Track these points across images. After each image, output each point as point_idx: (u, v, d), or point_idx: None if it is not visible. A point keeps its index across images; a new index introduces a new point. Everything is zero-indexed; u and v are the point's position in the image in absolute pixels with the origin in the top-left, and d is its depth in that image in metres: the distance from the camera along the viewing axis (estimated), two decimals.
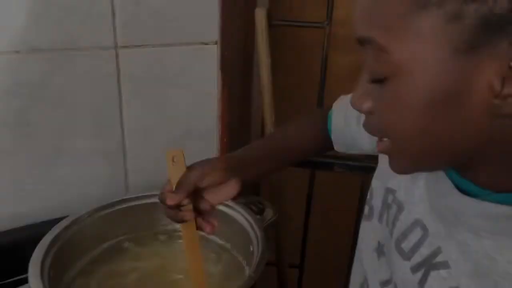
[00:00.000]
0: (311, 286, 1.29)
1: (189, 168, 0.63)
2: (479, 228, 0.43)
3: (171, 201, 0.60)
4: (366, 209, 0.64)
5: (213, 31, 0.92)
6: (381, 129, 0.45)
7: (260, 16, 0.92)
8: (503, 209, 0.41)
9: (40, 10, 0.76)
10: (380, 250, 0.60)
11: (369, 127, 0.47)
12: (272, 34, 0.96)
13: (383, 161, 0.63)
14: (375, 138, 0.69)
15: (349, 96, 0.76)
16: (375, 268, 0.60)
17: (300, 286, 1.26)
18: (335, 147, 0.79)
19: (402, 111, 0.41)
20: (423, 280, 0.48)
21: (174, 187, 0.62)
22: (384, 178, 0.61)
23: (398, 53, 0.38)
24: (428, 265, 0.48)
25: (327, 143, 0.78)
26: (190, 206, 0.62)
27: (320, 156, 1.05)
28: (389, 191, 0.60)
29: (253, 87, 1.04)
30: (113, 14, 0.82)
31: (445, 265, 0.46)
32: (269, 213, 0.86)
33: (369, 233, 0.63)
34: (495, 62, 0.35)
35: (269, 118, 0.99)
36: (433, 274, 0.47)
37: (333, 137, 0.77)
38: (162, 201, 0.62)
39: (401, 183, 0.57)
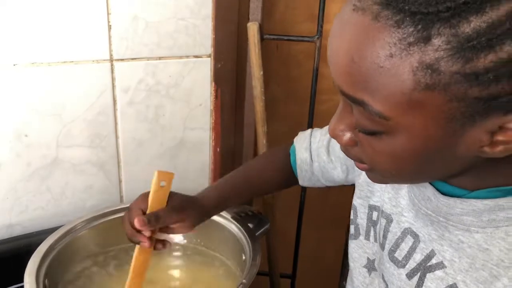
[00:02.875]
0: None
1: (171, 210, 0.65)
2: (469, 225, 0.46)
3: (140, 226, 0.61)
4: (352, 229, 0.65)
5: (207, 44, 0.94)
6: (364, 161, 0.47)
7: (253, 30, 0.94)
8: (485, 203, 0.44)
9: (38, 24, 0.78)
10: (370, 266, 0.62)
11: (349, 155, 0.48)
12: (264, 47, 0.98)
13: (358, 179, 0.65)
14: (348, 164, 0.71)
15: (307, 131, 0.78)
16: (367, 283, 0.62)
17: None
18: (300, 183, 0.79)
19: (392, 158, 0.43)
20: (420, 284, 0.50)
21: (149, 209, 0.63)
22: (365, 196, 0.63)
23: (395, 120, 0.39)
24: (423, 269, 0.50)
25: (291, 178, 0.79)
26: (153, 237, 0.64)
27: None
28: (372, 208, 0.62)
29: (245, 98, 1.06)
30: (109, 27, 0.84)
31: (440, 265, 0.48)
32: (261, 223, 0.87)
33: (357, 251, 0.64)
34: (487, 124, 0.38)
35: (261, 128, 1.01)
36: (429, 276, 0.49)
37: (298, 173, 0.77)
38: (130, 218, 0.63)
39: (383, 196, 0.59)
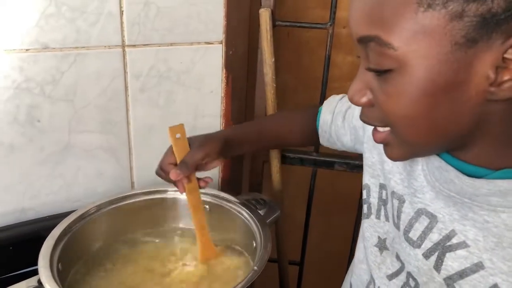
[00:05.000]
0: (311, 283, 1.31)
1: (194, 149, 0.73)
2: (495, 205, 0.46)
3: (174, 176, 0.71)
4: (365, 208, 0.67)
5: (218, 31, 0.94)
6: (382, 119, 0.48)
7: (265, 16, 0.93)
8: (511, 183, 0.45)
9: (50, 10, 0.78)
10: (381, 245, 0.63)
11: (367, 118, 0.50)
12: (276, 34, 0.97)
13: (369, 157, 0.66)
14: (357, 136, 0.72)
15: (339, 95, 0.81)
16: (378, 262, 0.63)
17: (300, 283, 1.27)
18: (321, 141, 0.85)
19: (404, 100, 0.44)
20: (438, 263, 0.51)
21: (178, 160, 0.72)
22: (377, 175, 0.64)
23: (402, 49, 0.41)
24: (442, 248, 0.51)
25: (314, 136, 0.84)
26: (194, 177, 0.75)
27: (321, 155, 1.07)
28: (382, 187, 0.63)
29: (256, 85, 1.05)
30: (121, 13, 0.84)
31: (462, 245, 0.49)
32: (272, 210, 0.87)
33: (369, 230, 0.65)
34: (491, 54, 0.39)
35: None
36: (449, 255, 0.50)
37: (319, 132, 0.83)
38: (165, 173, 0.73)
39: (395, 177, 0.59)
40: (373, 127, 0.51)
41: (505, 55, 0.39)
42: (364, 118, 0.51)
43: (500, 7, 0.37)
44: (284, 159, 1.06)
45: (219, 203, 0.86)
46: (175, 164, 0.73)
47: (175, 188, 0.76)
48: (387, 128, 0.49)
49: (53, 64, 0.81)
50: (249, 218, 0.81)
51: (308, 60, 1.22)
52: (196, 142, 0.74)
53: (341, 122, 0.78)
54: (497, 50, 0.39)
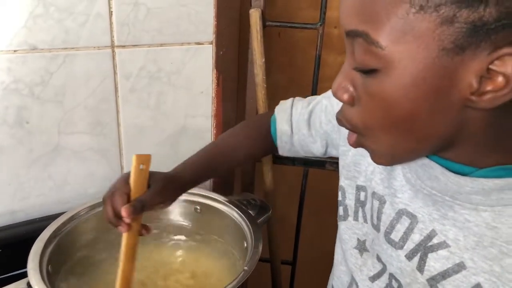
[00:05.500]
0: (303, 282, 1.31)
1: (155, 193, 0.65)
2: (477, 203, 0.46)
3: (127, 215, 0.61)
4: (341, 210, 0.66)
5: (208, 31, 0.94)
6: (361, 120, 0.47)
7: (255, 17, 0.93)
8: (495, 182, 0.44)
9: (38, 10, 0.78)
10: (361, 247, 0.62)
11: (344, 118, 0.49)
12: (266, 34, 0.97)
13: (344, 159, 0.65)
14: (330, 140, 0.72)
15: (288, 101, 0.79)
16: (359, 264, 0.62)
17: (292, 283, 1.28)
18: (280, 152, 0.82)
19: (386, 101, 0.43)
20: (421, 264, 0.50)
21: (132, 192, 0.63)
22: (352, 176, 0.63)
23: (390, 49, 0.41)
24: (424, 249, 0.50)
25: (270, 147, 0.82)
26: (140, 220, 0.65)
27: None
28: (360, 188, 0.62)
29: (247, 86, 1.05)
30: (110, 14, 0.84)
31: (443, 245, 0.49)
32: (263, 210, 0.87)
33: (347, 232, 0.65)
34: (476, 63, 0.39)
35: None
36: (431, 256, 0.49)
37: (278, 143, 0.80)
38: (115, 204, 0.63)
39: (375, 177, 0.59)
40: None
41: (491, 66, 0.39)
42: (340, 117, 0.50)
43: (491, 16, 0.37)
44: (275, 159, 1.06)
45: (210, 204, 0.86)
46: (128, 195, 0.64)
47: None
48: None
49: (42, 65, 0.81)
50: (239, 218, 0.81)
51: (299, 60, 1.23)
52: (158, 183, 0.66)
53: (307, 131, 0.75)
54: (483, 60, 0.38)
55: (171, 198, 0.69)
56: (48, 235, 0.73)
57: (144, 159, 0.64)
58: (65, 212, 0.79)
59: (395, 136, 0.45)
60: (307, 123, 0.75)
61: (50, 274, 0.69)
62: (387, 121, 0.44)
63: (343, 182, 0.65)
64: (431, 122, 0.43)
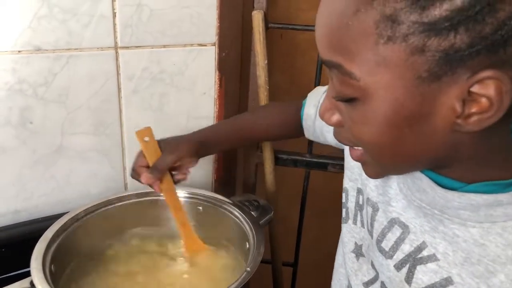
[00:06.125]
0: (305, 284, 1.31)
1: (166, 154, 0.74)
2: (465, 219, 0.45)
3: (145, 180, 0.72)
4: (343, 212, 0.66)
5: (211, 33, 0.94)
6: (352, 141, 0.47)
7: (257, 18, 0.93)
8: (483, 197, 0.44)
9: (42, 11, 0.78)
10: (357, 251, 0.62)
11: (339, 137, 0.49)
12: (269, 36, 0.98)
13: (349, 160, 0.65)
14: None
15: (325, 87, 0.81)
16: (355, 269, 0.62)
17: (294, 284, 1.28)
18: (306, 135, 0.84)
19: (369, 128, 0.43)
20: (409, 276, 0.50)
21: (150, 163, 0.73)
22: (355, 179, 0.63)
23: (365, 80, 0.40)
24: (413, 261, 0.50)
25: (298, 129, 0.83)
26: (169, 177, 0.75)
27: (314, 156, 1.07)
28: (359, 191, 0.62)
29: (249, 87, 1.06)
30: (114, 15, 0.84)
31: (432, 258, 0.48)
32: (265, 212, 0.87)
33: (346, 235, 0.65)
34: (456, 88, 0.38)
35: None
36: (420, 268, 0.49)
37: (304, 125, 0.82)
38: (138, 175, 0.74)
39: (370, 183, 0.59)
40: None
41: (472, 89, 0.37)
42: (337, 137, 0.50)
43: (463, 42, 0.35)
44: (277, 161, 1.06)
45: (212, 205, 0.86)
46: (148, 167, 0.74)
47: None
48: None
49: (45, 66, 0.81)
50: (242, 219, 0.81)
51: (301, 62, 1.23)
52: (168, 146, 0.75)
53: None
54: (463, 84, 0.37)
55: (188, 154, 0.75)
56: (51, 235, 0.73)
57: (145, 133, 0.73)
58: (68, 212, 0.79)
59: (385, 156, 0.45)
60: None
61: (53, 273, 0.69)
62: (374, 145, 0.44)
63: (347, 183, 0.65)
64: (418, 145, 0.42)
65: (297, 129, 0.84)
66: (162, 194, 0.77)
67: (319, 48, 0.44)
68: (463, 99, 0.38)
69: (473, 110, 0.38)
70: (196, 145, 0.76)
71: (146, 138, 0.73)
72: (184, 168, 0.76)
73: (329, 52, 0.42)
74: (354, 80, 0.40)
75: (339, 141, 0.50)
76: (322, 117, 0.48)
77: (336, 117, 0.47)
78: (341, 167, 1.06)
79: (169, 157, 0.73)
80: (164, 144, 0.75)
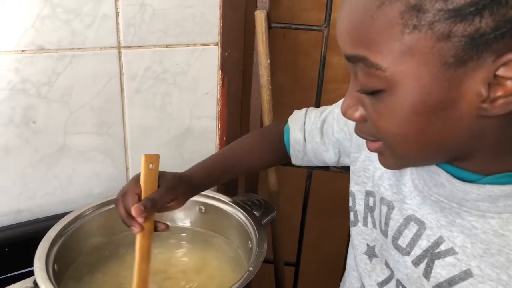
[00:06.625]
0: (307, 284, 1.31)
1: (165, 190, 0.66)
2: (484, 210, 0.46)
3: (137, 214, 0.63)
4: (351, 216, 0.66)
5: (214, 32, 0.94)
6: (374, 135, 0.47)
7: (260, 18, 0.93)
8: (501, 188, 0.44)
9: (45, 11, 0.78)
10: (370, 253, 0.62)
11: (361, 133, 0.50)
12: (271, 36, 0.98)
13: (354, 165, 0.65)
14: (342, 148, 0.72)
15: (302, 110, 0.79)
16: (369, 270, 0.62)
17: (296, 284, 1.27)
18: (293, 162, 0.82)
19: (395, 119, 0.43)
20: (428, 271, 0.50)
21: (143, 192, 0.65)
22: (362, 182, 0.63)
23: (391, 70, 0.40)
24: (431, 255, 0.50)
25: (284, 156, 0.81)
26: (152, 220, 0.66)
27: None
28: (369, 193, 0.62)
29: (252, 87, 1.06)
30: (117, 15, 0.84)
31: (450, 252, 0.48)
32: (268, 211, 0.87)
33: (357, 238, 0.65)
34: (482, 72, 0.38)
35: (267, 117, 1.01)
36: (438, 263, 0.49)
37: (291, 152, 0.80)
38: (126, 204, 0.65)
39: (384, 183, 0.59)
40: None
41: (497, 73, 0.38)
42: (358, 133, 0.50)
43: (488, 26, 0.36)
44: None
45: (215, 204, 0.87)
46: (139, 197, 0.65)
47: None
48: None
49: (48, 66, 0.82)
50: (244, 219, 0.81)
51: (304, 62, 1.23)
52: (168, 182, 0.68)
53: (320, 139, 0.76)
54: (488, 68, 0.38)
55: (182, 197, 0.69)
56: (54, 234, 0.74)
57: (153, 159, 0.65)
58: (70, 211, 0.80)
59: (410, 147, 0.45)
60: (320, 132, 0.75)
61: (56, 273, 0.69)
62: (400, 135, 0.44)
63: (353, 187, 0.65)
64: (443, 134, 0.43)
65: (282, 157, 0.82)
66: (136, 233, 0.65)
67: (341, 45, 0.44)
68: (489, 83, 0.39)
69: (499, 93, 0.39)
70: (190, 189, 0.71)
71: (151, 166, 0.65)
72: (170, 210, 0.69)
73: (353, 47, 0.42)
74: (380, 71, 0.41)
75: (361, 136, 0.50)
76: (344, 114, 0.48)
77: (359, 113, 0.47)
78: (343, 167, 1.06)
79: (167, 196, 0.66)
80: (163, 179, 0.67)
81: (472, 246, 0.47)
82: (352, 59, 0.43)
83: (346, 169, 1.06)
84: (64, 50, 0.82)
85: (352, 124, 0.53)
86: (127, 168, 0.97)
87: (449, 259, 0.48)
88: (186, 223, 0.90)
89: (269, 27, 0.96)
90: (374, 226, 0.61)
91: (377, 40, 0.40)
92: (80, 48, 0.83)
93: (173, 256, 0.84)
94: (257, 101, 1.04)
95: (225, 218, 0.84)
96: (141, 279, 0.65)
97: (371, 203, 0.62)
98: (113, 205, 0.83)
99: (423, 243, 0.51)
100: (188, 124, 1.00)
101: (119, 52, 0.87)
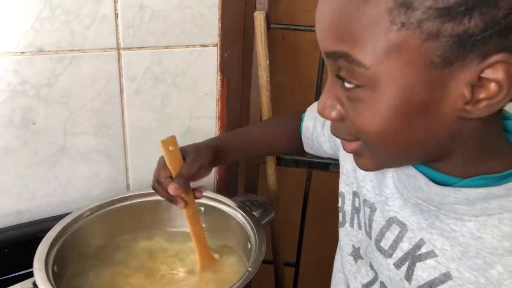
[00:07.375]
0: (307, 284, 1.31)
1: (189, 162, 0.72)
2: (462, 213, 0.45)
3: (174, 191, 0.69)
4: (340, 216, 0.66)
5: (213, 33, 0.94)
6: (353, 133, 0.46)
7: (259, 19, 0.93)
8: (477, 191, 0.44)
9: (45, 13, 0.78)
10: (355, 254, 0.62)
11: (338, 132, 0.48)
12: (270, 36, 0.98)
13: (344, 165, 0.65)
14: (335, 143, 0.73)
15: None
16: (354, 271, 0.62)
17: (296, 285, 1.28)
18: (305, 149, 0.84)
19: (376, 117, 0.42)
20: (409, 273, 0.50)
21: (173, 173, 0.70)
22: (350, 182, 0.63)
23: (374, 68, 0.39)
24: (412, 258, 0.50)
25: (300, 144, 0.84)
26: (190, 191, 0.73)
27: (316, 156, 1.07)
28: (355, 194, 0.62)
29: (251, 88, 1.06)
30: (116, 16, 0.84)
31: (431, 254, 0.48)
32: (267, 212, 0.87)
33: (344, 239, 0.65)
34: (467, 74, 0.38)
35: (266, 118, 1.01)
36: (419, 265, 0.49)
37: (303, 139, 0.82)
38: (163, 187, 0.71)
39: (366, 185, 0.58)
40: None
41: (482, 75, 0.37)
42: (335, 132, 0.49)
43: (477, 27, 0.36)
44: (279, 161, 1.06)
45: (214, 205, 0.87)
46: (171, 177, 0.71)
47: None
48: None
49: (48, 67, 0.82)
50: (244, 219, 0.82)
51: (303, 63, 1.23)
52: (190, 154, 0.72)
53: (320, 129, 0.77)
54: (473, 70, 0.37)
55: (207, 163, 0.73)
56: (53, 235, 0.74)
57: (170, 142, 0.71)
58: (70, 212, 0.80)
59: (388, 147, 0.44)
60: (323, 122, 0.77)
61: (56, 274, 0.69)
62: (380, 134, 0.43)
63: (343, 188, 0.65)
64: (423, 134, 0.42)
65: (298, 144, 0.84)
66: (181, 208, 0.73)
67: (321, 41, 0.43)
68: (472, 84, 0.38)
69: (482, 95, 0.38)
70: (213, 154, 0.75)
71: (171, 148, 0.70)
72: (201, 177, 0.74)
73: (334, 43, 0.41)
74: (363, 68, 0.39)
75: (337, 136, 0.49)
76: (321, 113, 0.47)
77: (336, 112, 0.46)
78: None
79: (193, 166, 0.71)
80: (184, 153, 0.72)
81: (451, 248, 0.46)
82: (333, 56, 0.42)
83: None
84: (64, 51, 0.82)
85: None
86: (126, 169, 0.97)
87: (429, 261, 0.48)
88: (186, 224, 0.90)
89: (268, 28, 0.96)
90: (360, 227, 0.61)
91: (361, 35, 0.39)
92: (79, 50, 0.83)
93: (172, 257, 0.84)
94: (256, 102, 1.04)
95: (225, 218, 0.85)
96: (197, 238, 0.77)
97: (357, 204, 0.61)
98: (113, 206, 0.84)
99: (405, 246, 0.51)
100: (188, 124, 1.00)
101: (119, 53, 0.87)
